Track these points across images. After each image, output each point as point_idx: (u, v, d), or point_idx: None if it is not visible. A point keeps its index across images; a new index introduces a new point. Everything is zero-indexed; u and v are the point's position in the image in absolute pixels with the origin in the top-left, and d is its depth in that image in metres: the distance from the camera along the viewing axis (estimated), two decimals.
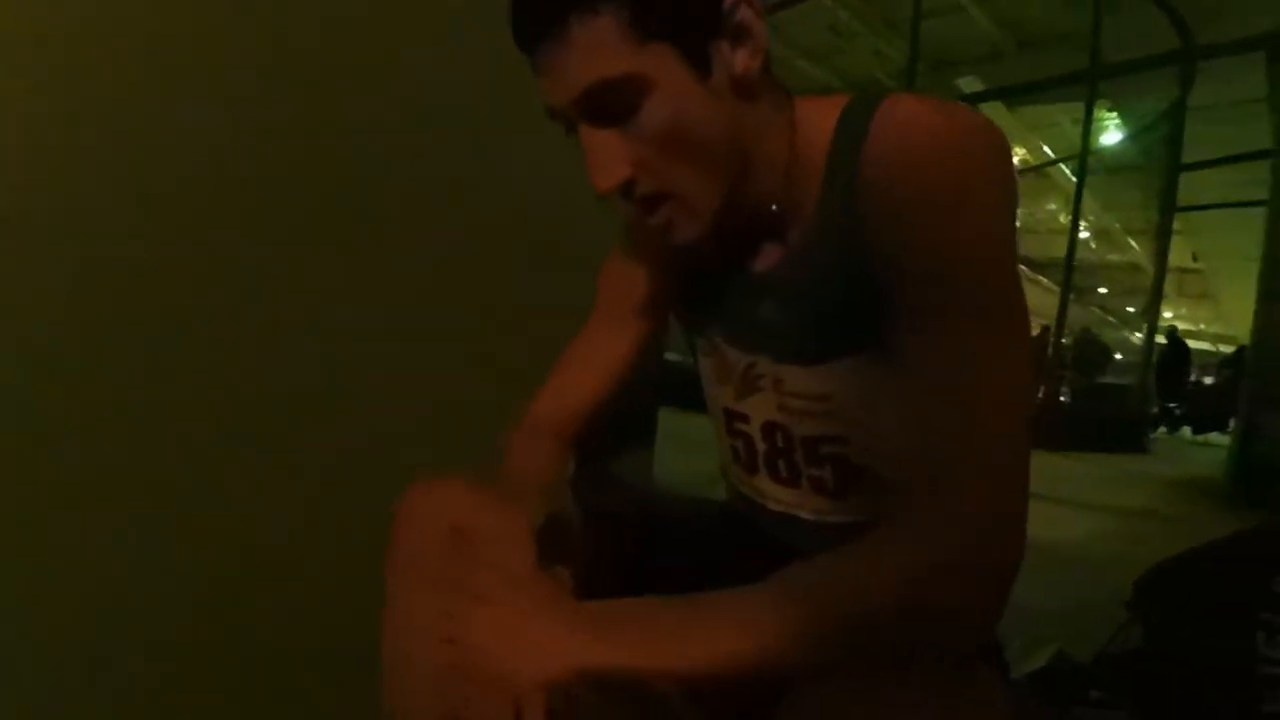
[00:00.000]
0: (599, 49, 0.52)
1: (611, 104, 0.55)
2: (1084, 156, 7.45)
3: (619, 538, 0.76)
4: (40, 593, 0.83)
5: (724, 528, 0.79)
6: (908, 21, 7.80)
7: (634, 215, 0.61)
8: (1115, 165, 11.52)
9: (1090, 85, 7.04)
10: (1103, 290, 18.92)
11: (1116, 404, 7.58)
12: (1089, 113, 7.15)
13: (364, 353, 1.06)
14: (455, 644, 0.54)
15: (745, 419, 0.72)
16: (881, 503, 0.65)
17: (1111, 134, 10.84)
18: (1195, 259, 14.37)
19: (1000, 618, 0.50)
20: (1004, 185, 0.54)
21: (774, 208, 0.62)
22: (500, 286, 1.20)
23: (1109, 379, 9.16)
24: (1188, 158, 7.51)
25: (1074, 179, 7.74)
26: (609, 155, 0.57)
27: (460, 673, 0.53)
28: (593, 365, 0.79)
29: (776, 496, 0.72)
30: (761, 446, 0.71)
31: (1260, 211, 3.92)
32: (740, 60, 0.56)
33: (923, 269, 0.52)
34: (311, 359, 1.01)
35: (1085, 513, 3.26)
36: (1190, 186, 7.91)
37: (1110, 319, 18.65)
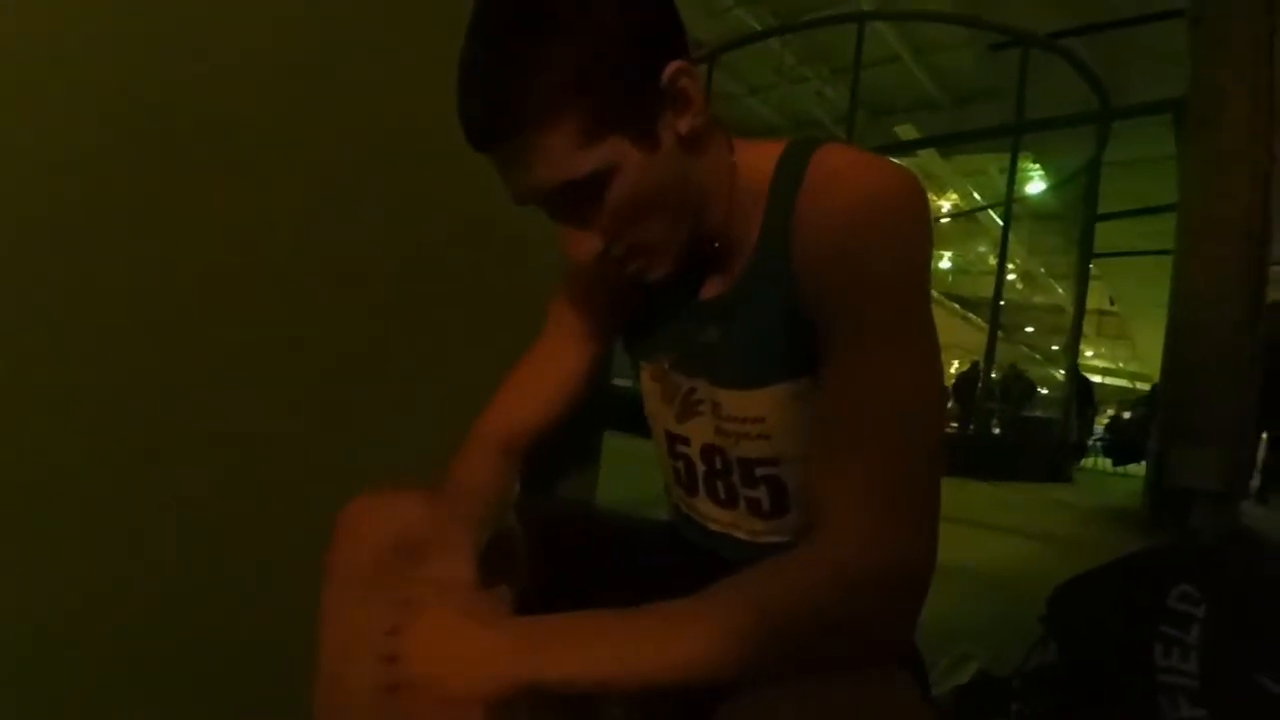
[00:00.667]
0: (557, 156, 0.55)
1: (576, 196, 0.58)
2: (1009, 204, 7.86)
3: (562, 555, 0.77)
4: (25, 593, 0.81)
5: (666, 546, 0.82)
6: (849, 68, 8.13)
7: (607, 269, 0.65)
8: (1039, 213, 12.17)
9: (1015, 138, 7.48)
10: (1029, 329, 19.79)
11: (1041, 436, 7.91)
12: (1013, 163, 7.57)
13: (319, 365, 1.06)
14: (396, 662, 0.54)
15: (686, 441, 0.75)
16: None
17: (1035, 184, 11.47)
18: (1112, 302, 15.18)
19: (911, 627, 0.54)
20: (919, 232, 0.59)
21: (716, 244, 0.67)
22: (451, 300, 1.21)
23: (1035, 412, 9.56)
24: (1104, 208, 7.99)
25: (1001, 224, 8.14)
26: (580, 234, 0.61)
27: (401, 692, 0.53)
28: (542, 382, 0.81)
29: (716, 517, 0.75)
30: (701, 468, 0.74)
31: (1170, 260, 4.20)
32: (685, 124, 0.59)
33: (844, 304, 0.57)
34: (249, 360, 1.00)
35: (1009, 537, 3.39)
36: (1107, 234, 8.40)
37: (1036, 356, 19.49)
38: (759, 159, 0.65)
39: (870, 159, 0.61)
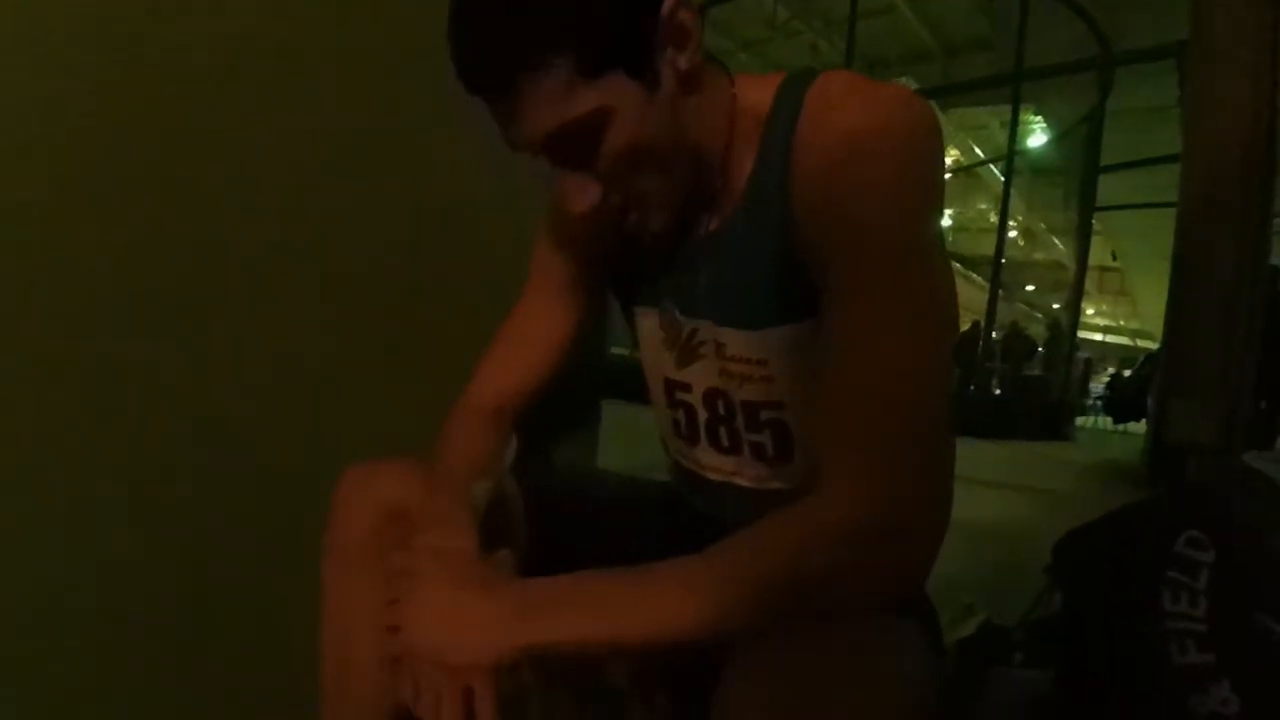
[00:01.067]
0: (553, 98, 0.52)
1: (573, 139, 0.55)
2: (1010, 157, 7.76)
3: (560, 519, 0.76)
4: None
5: (665, 507, 0.80)
6: (844, 20, 7.99)
7: (605, 219, 0.62)
8: (1040, 167, 12.05)
9: (1015, 86, 7.34)
10: (1030, 287, 19.74)
11: (1041, 394, 7.93)
12: (1015, 113, 7.45)
13: (317, 347, 1.04)
14: (400, 633, 0.54)
15: (687, 388, 0.72)
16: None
17: (1037, 137, 11.34)
18: (1114, 258, 15.12)
19: (916, 578, 0.52)
20: (926, 161, 0.55)
21: (717, 184, 0.64)
22: (439, 273, 1.19)
23: (1035, 371, 9.57)
24: (1106, 161, 7.90)
25: (1002, 179, 8.04)
26: (578, 182, 0.58)
27: (407, 662, 0.53)
28: (530, 342, 0.78)
29: (717, 466, 0.72)
30: (703, 415, 0.72)
31: (1172, 212, 4.14)
32: (684, 59, 0.56)
33: (846, 243, 0.54)
34: (270, 354, 0.99)
35: (1010, 494, 3.40)
36: (1109, 188, 8.31)
37: (1037, 314, 19.48)
38: (758, 91, 0.62)
39: (873, 84, 0.57)
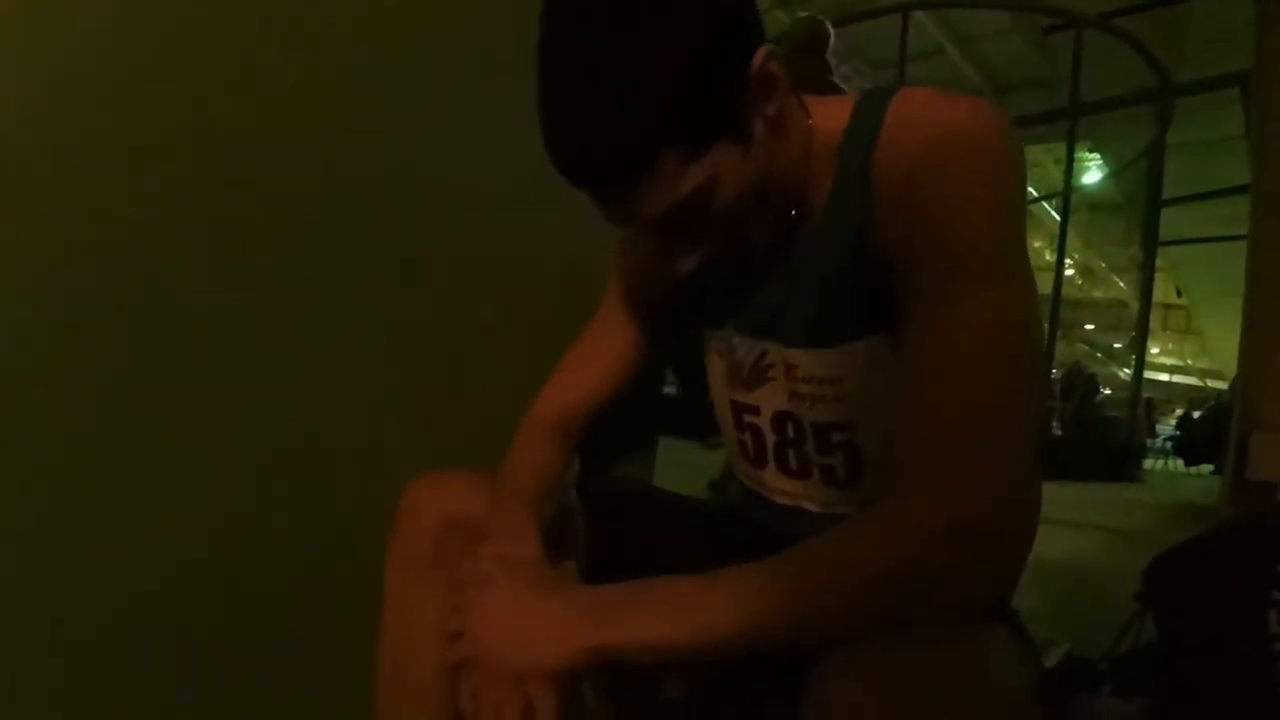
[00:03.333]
0: (665, 183, 0.52)
1: (681, 214, 0.55)
2: (1067, 194, 7.60)
3: (622, 534, 0.76)
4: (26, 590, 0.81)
5: (728, 526, 0.79)
6: (891, 64, 8.01)
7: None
8: (1097, 203, 11.77)
9: (1071, 122, 7.23)
10: (1089, 326, 19.13)
11: (1108, 435, 7.62)
12: (1070, 148, 7.32)
13: (360, 347, 1.06)
14: (463, 639, 0.54)
15: (755, 410, 0.72)
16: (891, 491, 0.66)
17: (1092, 174, 11.11)
18: (1179, 294, 14.58)
19: (1010, 581, 0.51)
20: (1008, 168, 0.55)
21: (794, 211, 0.64)
22: (505, 282, 1.22)
23: (1099, 411, 9.22)
24: (1169, 194, 7.67)
25: (1058, 217, 7.88)
26: (683, 245, 0.59)
27: (469, 667, 0.53)
28: (597, 362, 0.80)
29: (784, 489, 0.72)
30: (771, 438, 0.71)
31: (1242, 245, 4.00)
32: (773, 106, 0.56)
33: (931, 253, 0.54)
34: (305, 352, 1.01)
35: (1081, 532, 3.26)
36: (1172, 222, 8.06)
37: (1098, 354, 18.83)
38: (833, 115, 0.62)
39: (953, 96, 0.57)
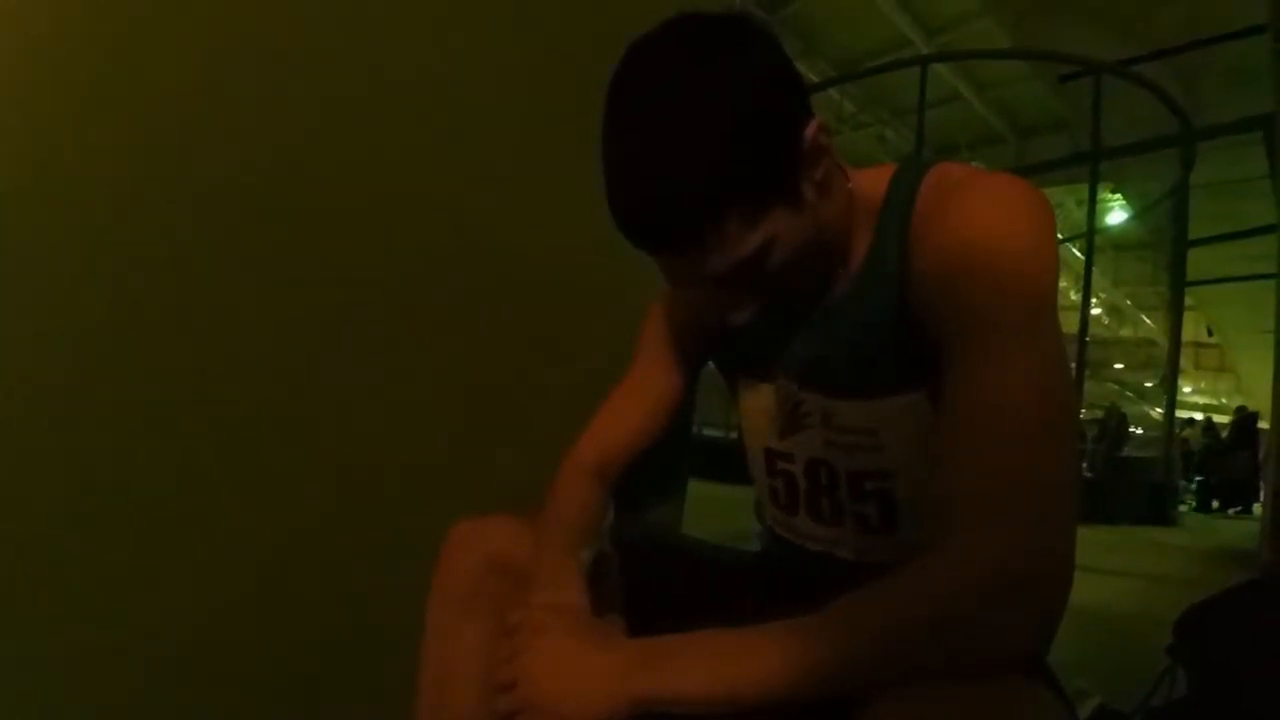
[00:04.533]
0: (730, 244, 0.56)
1: (738, 273, 0.59)
2: (1091, 235, 7.57)
3: (656, 581, 0.77)
4: (42, 597, 0.84)
5: (760, 574, 0.81)
6: (911, 110, 8.09)
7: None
8: (1122, 243, 11.66)
9: (1093, 165, 7.24)
10: (1118, 365, 18.77)
11: (1140, 477, 7.45)
12: (1093, 192, 7.31)
13: (403, 386, 1.09)
14: (513, 690, 0.56)
15: (789, 458, 0.74)
16: (924, 540, 0.67)
17: (1116, 213, 11.03)
18: (1210, 333, 14.31)
19: (1049, 633, 0.52)
20: (1046, 236, 0.59)
21: (836, 267, 0.68)
22: (544, 334, 1.25)
23: (1131, 453, 9.02)
24: (1195, 234, 7.61)
25: (1082, 257, 7.82)
26: (738, 300, 0.64)
27: (520, 717, 0.54)
28: (638, 407, 0.82)
29: (816, 535, 0.73)
30: (804, 484, 0.73)
31: (1272, 284, 3.96)
32: (820, 173, 0.61)
33: (972, 305, 0.56)
34: (350, 389, 1.04)
35: (1117, 579, 3.18)
36: (1200, 261, 7.98)
37: (1128, 394, 18.43)
38: (872, 180, 0.67)
39: (989, 172, 0.62)
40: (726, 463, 0.85)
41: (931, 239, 0.60)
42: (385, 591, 0.96)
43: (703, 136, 0.53)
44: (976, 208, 0.59)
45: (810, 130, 0.58)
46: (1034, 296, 0.56)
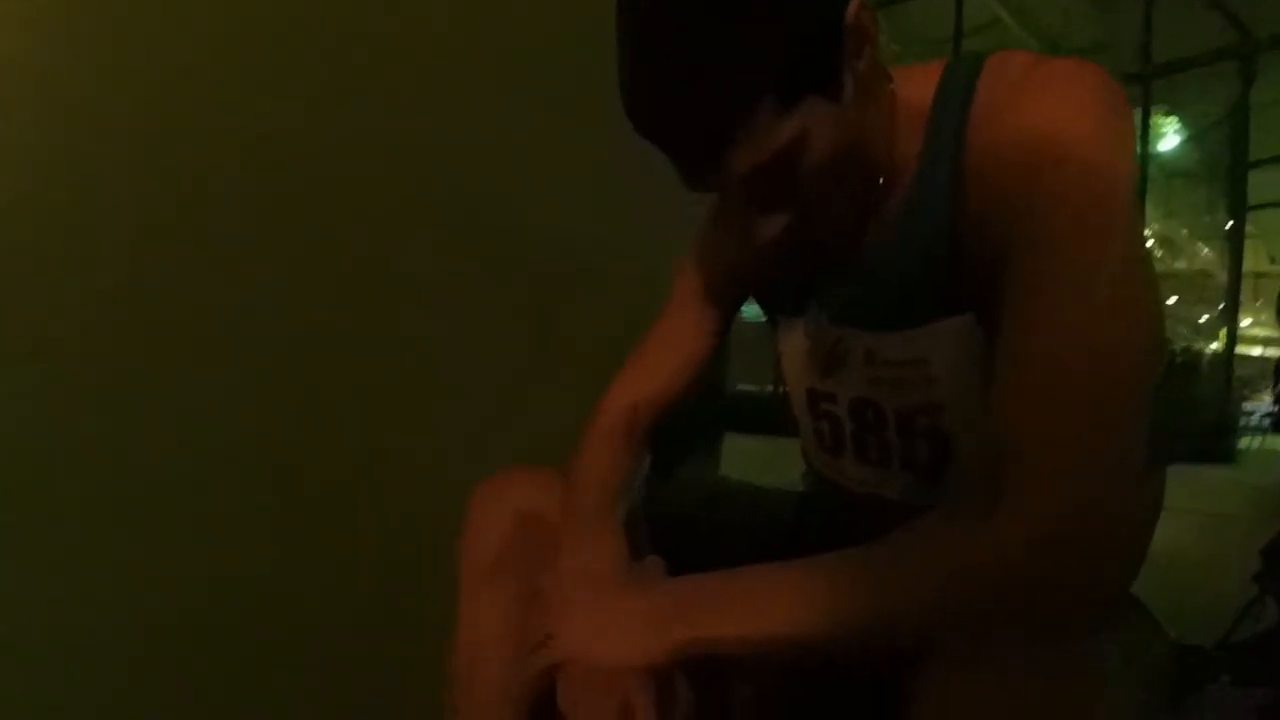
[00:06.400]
0: (755, 138, 0.50)
1: (768, 173, 0.52)
2: (1144, 163, 7.24)
3: (688, 536, 0.74)
4: (44, 600, 0.84)
5: (800, 520, 0.78)
6: (945, 40, 7.77)
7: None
8: (1176, 170, 11.15)
9: (1145, 86, 6.88)
10: (1172, 300, 18.16)
11: (1196, 412, 7.23)
12: (1146, 115, 6.96)
13: (418, 356, 1.08)
14: (550, 643, 0.54)
15: (831, 398, 0.70)
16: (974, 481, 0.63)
17: (1170, 139, 10.53)
18: (1273, 261, 13.72)
19: (1114, 591, 0.48)
20: (1123, 141, 0.51)
21: (880, 181, 0.61)
22: (568, 284, 1.22)
23: (1186, 388, 8.76)
24: (1255, 155, 7.22)
25: None
26: (768, 211, 0.56)
27: (562, 673, 0.52)
28: (669, 358, 0.78)
29: (862, 478, 0.70)
30: (849, 426, 0.69)
31: None
32: (863, 63, 0.53)
33: (1032, 230, 0.50)
34: (367, 362, 1.04)
35: (1177, 517, 3.08)
36: (1261, 185, 7.59)
37: (1182, 329, 17.87)
38: (919, 83, 0.59)
39: (1053, 63, 0.53)
40: (764, 416, 0.81)
41: (992, 143, 0.53)
42: (410, 558, 0.95)
43: (727, 12, 0.47)
44: (1043, 104, 0.51)
45: (852, 9, 0.51)
46: (1109, 210, 0.49)
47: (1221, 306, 7.93)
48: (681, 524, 0.76)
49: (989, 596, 0.44)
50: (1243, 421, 9.32)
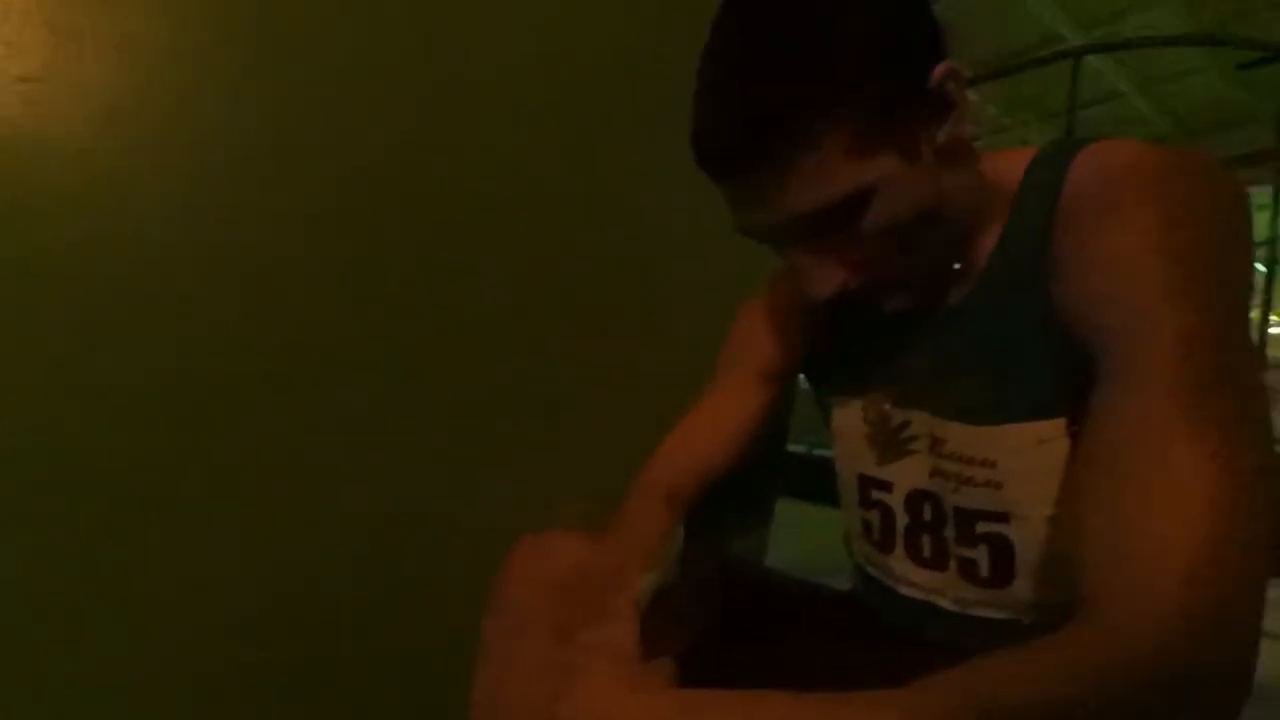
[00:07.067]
0: (821, 175, 0.49)
1: (825, 220, 0.51)
2: (1273, 244, 6.72)
3: (729, 617, 0.72)
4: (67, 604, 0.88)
5: (846, 619, 0.73)
6: (1060, 113, 7.53)
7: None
8: None
9: (1278, 163, 6.43)
10: None
11: None
12: (1278, 192, 6.49)
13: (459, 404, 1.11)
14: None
15: (887, 487, 0.65)
16: (1043, 597, 0.57)
17: None
18: None
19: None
20: (1236, 231, 0.47)
21: (957, 266, 0.59)
22: (613, 341, 1.23)
23: None
24: None
25: (1263, 269, 6.97)
26: (824, 266, 0.55)
27: None
28: (716, 427, 0.76)
29: (913, 579, 0.65)
30: (903, 520, 0.64)
31: None
32: (945, 133, 0.52)
33: (1127, 323, 0.46)
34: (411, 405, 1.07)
35: None
36: None
37: None
38: (1008, 165, 0.57)
39: (1166, 147, 0.50)
40: (813, 481, 0.78)
41: (1086, 228, 0.49)
42: (442, 597, 0.95)
43: (808, 35, 0.46)
44: (1145, 189, 0.48)
45: (938, 73, 0.49)
46: (1217, 306, 0.45)
47: None
48: (723, 606, 0.74)
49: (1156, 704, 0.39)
50: None
